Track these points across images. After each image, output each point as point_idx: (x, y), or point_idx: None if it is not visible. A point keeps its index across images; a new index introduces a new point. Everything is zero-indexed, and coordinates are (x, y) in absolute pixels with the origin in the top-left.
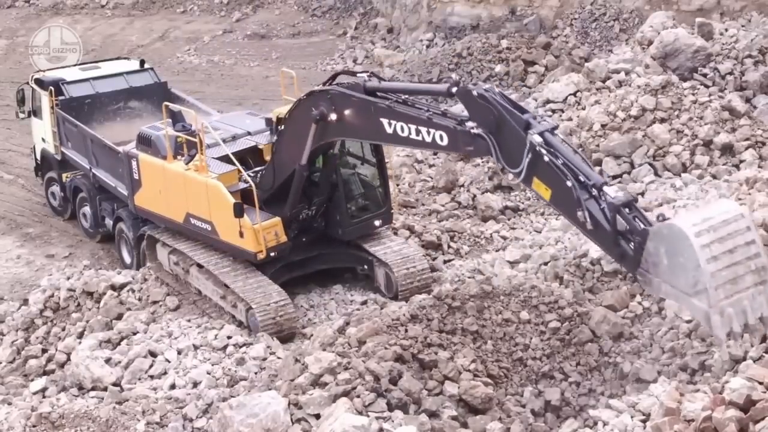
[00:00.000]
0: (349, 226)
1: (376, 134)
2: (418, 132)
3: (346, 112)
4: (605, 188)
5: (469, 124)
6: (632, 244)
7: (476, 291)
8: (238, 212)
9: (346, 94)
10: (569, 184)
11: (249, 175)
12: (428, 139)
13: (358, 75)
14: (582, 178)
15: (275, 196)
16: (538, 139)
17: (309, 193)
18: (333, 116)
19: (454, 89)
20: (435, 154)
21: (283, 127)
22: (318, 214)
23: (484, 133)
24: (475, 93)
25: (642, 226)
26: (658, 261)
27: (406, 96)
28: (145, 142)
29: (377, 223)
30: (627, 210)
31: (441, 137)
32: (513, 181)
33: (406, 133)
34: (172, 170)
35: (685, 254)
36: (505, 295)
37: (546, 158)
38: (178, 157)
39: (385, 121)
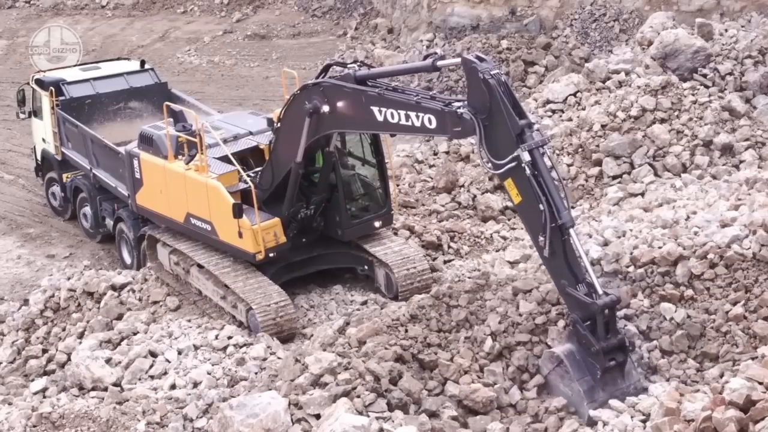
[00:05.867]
0: (348, 227)
1: (367, 123)
2: (407, 117)
3: (338, 103)
4: (571, 231)
5: (456, 104)
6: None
7: (470, 287)
8: (237, 213)
9: (337, 85)
10: (541, 207)
11: (249, 176)
12: (417, 124)
13: (348, 65)
14: (553, 208)
15: (274, 195)
16: (527, 157)
17: (307, 192)
18: (325, 108)
19: (439, 63)
20: (435, 154)
21: (279, 124)
22: (317, 214)
23: (471, 114)
24: (480, 75)
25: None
26: (568, 373)
27: (397, 84)
28: (146, 141)
29: (377, 224)
30: (606, 313)
31: (429, 120)
32: (488, 167)
33: (396, 120)
34: (173, 170)
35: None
36: (499, 285)
37: (527, 174)
38: (179, 157)
39: (375, 109)
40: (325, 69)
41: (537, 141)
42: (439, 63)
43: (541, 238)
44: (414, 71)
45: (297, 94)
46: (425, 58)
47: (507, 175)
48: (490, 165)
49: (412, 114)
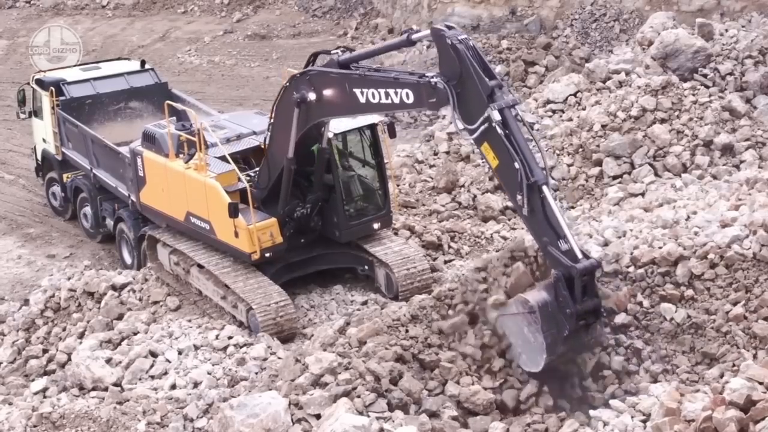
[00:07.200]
0: (346, 228)
1: (352, 107)
2: (387, 95)
3: (324, 90)
4: (545, 189)
5: (429, 74)
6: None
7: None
8: (233, 212)
9: (323, 72)
10: (516, 166)
11: (249, 175)
12: (396, 100)
13: (332, 52)
14: (526, 166)
15: (273, 195)
16: (497, 116)
17: (303, 190)
18: (312, 96)
19: (413, 36)
20: (435, 154)
21: (272, 120)
22: (313, 213)
23: (444, 82)
24: (448, 41)
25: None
26: (537, 324)
27: (379, 65)
28: (149, 139)
29: (376, 225)
30: (584, 277)
31: (407, 95)
32: (465, 135)
33: (377, 99)
34: (173, 169)
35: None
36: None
37: (500, 134)
38: (180, 156)
39: (358, 91)
40: (313, 59)
41: (507, 100)
42: (414, 36)
43: (519, 197)
44: (392, 48)
45: (286, 87)
46: (401, 33)
47: (482, 139)
48: (465, 132)
49: (391, 91)
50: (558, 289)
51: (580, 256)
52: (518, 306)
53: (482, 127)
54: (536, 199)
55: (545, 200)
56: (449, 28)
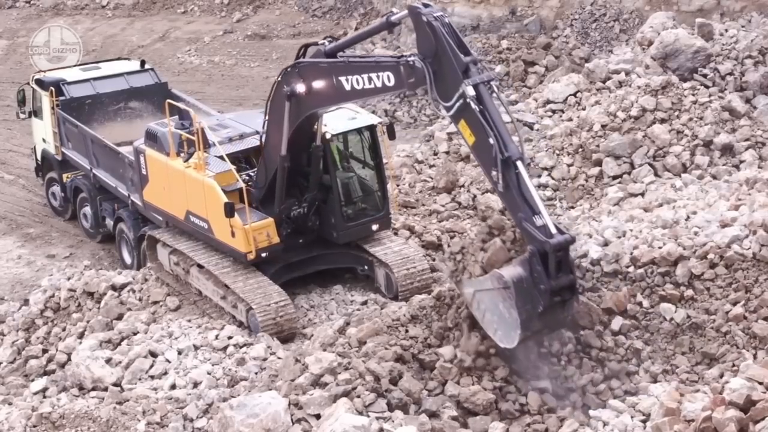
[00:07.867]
0: (343, 229)
1: (339, 95)
2: (370, 80)
3: (313, 81)
4: (519, 164)
5: (407, 53)
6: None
7: None
8: (229, 212)
9: (311, 63)
10: (491, 141)
11: (249, 174)
12: (379, 84)
13: (318, 42)
14: (500, 141)
15: (270, 194)
16: (471, 92)
17: (301, 190)
18: (302, 88)
19: (393, 18)
20: (435, 154)
21: (267, 117)
22: (310, 213)
23: (421, 60)
24: (424, 18)
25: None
26: (511, 299)
27: (365, 53)
28: (152, 138)
29: (374, 227)
30: (559, 253)
31: (388, 78)
32: (443, 113)
33: (361, 85)
34: (174, 167)
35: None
36: None
37: (474, 110)
38: (181, 155)
39: (343, 79)
40: (303, 51)
41: (482, 76)
42: (393, 18)
43: (494, 173)
44: (375, 32)
45: (278, 81)
46: (382, 16)
47: (459, 116)
48: (443, 110)
49: (374, 75)
50: (533, 265)
51: (554, 231)
52: (493, 281)
53: (458, 104)
54: (511, 174)
55: (520, 176)
56: (426, 6)
